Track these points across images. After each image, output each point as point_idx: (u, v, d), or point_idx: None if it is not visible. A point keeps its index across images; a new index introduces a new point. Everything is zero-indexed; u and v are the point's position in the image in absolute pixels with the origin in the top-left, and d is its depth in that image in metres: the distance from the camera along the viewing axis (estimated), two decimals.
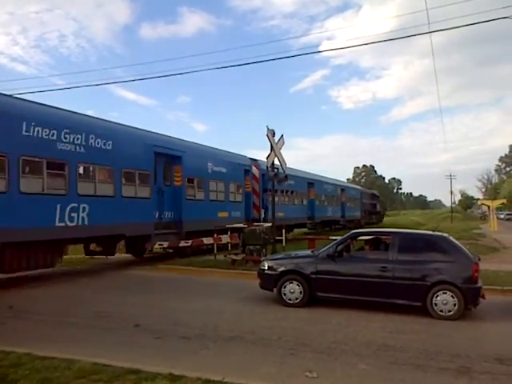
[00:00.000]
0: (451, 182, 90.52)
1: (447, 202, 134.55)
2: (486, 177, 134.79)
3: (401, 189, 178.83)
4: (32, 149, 11.89)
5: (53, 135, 12.48)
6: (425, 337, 7.25)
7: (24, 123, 11.70)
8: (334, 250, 9.61)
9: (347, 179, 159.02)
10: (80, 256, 19.41)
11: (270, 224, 16.50)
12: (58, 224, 12.52)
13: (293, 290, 9.54)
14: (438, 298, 8.58)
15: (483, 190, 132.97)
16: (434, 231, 10.40)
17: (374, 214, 55.86)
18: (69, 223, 12.87)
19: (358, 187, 57.51)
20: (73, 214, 13.02)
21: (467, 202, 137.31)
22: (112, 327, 7.69)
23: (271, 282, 9.89)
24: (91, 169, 14.11)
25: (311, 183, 33.98)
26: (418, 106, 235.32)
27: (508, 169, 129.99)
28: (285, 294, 9.59)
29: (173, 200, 18.06)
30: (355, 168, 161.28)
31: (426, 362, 5.95)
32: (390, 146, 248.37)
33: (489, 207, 51.42)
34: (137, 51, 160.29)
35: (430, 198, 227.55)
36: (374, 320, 8.36)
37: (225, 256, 16.18)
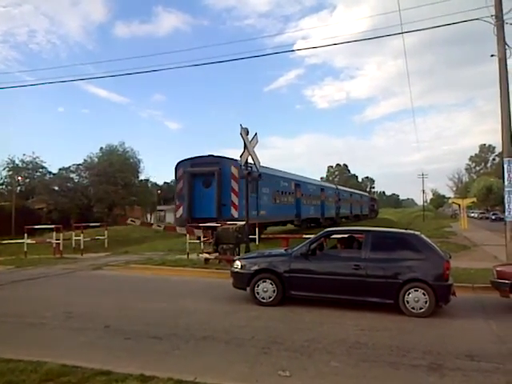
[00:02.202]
0: (423, 181, 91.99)
1: (419, 201, 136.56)
2: (456, 176, 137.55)
3: (374, 188, 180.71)
4: (281, 186, 29.71)
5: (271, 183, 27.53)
6: (397, 334, 7.30)
7: (281, 180, 29.85)
8: (308, 249, 9.63)
9: (321, 178, 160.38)
10: (50, 256, 19.10)
11: (243, 222, 16.41)
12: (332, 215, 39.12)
13: (266, 288, 9.52)
14: (410, 295, 8.67)
15: (454, 188, 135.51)
16: (406, 229, 10.49)
17: (373, 211, 77.31)
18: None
19: (367, 194, 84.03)
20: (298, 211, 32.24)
21: (439, 200, 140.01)
22: (81, 328, 7.51)
23: (244, 280, 9.84)
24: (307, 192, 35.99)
25: (351, 194, 58.47)
26: (392, 105, 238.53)
27: (478, 168, 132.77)
28: (258, 293, 9.56)
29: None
30: (329, 167, 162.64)
31: (398, 359, 5.98)
32: (364, 145, 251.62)
33: (459, 206, 52.32)
34: (110, 50, 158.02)
35: (402, 197, 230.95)
36: (347, 318, 8.38)
37: (198, 255, 16.09)
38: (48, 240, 21.30)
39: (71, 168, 54.66)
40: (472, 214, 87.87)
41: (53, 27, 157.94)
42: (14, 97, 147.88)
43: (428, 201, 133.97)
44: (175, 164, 24.20)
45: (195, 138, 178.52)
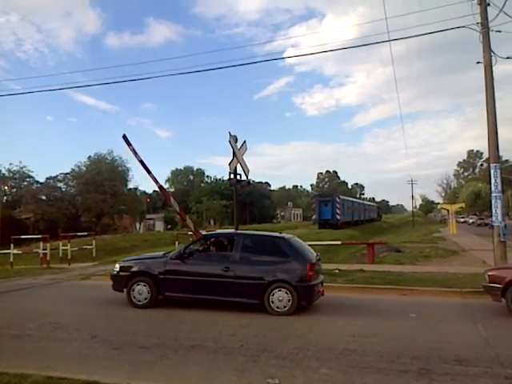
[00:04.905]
0: (412, 186, 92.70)
1: (409, 207, 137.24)
2: (445, 181, 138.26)
3: (363, 194, 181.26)
4: (349, 205, 63.56)
5: (347, 204, 62.23)
6: (386, 340, 7.28)
7: (345, 203, 60.15)
8: (183, 251, 10.08)
9: (311, 185, 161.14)
10: (36, 266, 18.91)
11: (233, 230, 16.32)
12: (362, 218, 73.86)
13: (141, 291, 9.92)
14: (274, 295, 9.20)
15: (443, 194, 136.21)
16: (280, 233, 11.03)
17: (379, 215, 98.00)
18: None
19: (374, 204, 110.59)
20: (353, 216, 65.70)
21: (428, 206, 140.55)
22: (68, 339, 7.42)
23: (122, 283, 10.23)
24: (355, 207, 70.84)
25: (369, 205, 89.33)
26: (381, 112, 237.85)
27: (466, 173, 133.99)
28: (134, 296, 9.95)
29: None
30: (319, 174, 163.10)
31: (387, 365, 5.96)
32: (353, 152, 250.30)
33: (448, 211, 52.70)
34: (100, 60, 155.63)
35: (392, 203, 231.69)
36: (336, 324, 8.37)
37: None
38: (35, 250, 21.12)
39: (59, 177, 54.35)
40: (462, 220, 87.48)
41: (41, 36, 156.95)
42: (1, 105, 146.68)
43: (417, 206, 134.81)
44: (312, 198, 62.31)
45: (185, 145, 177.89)
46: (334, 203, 53.75)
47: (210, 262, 10.07)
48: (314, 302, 9.64)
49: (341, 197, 58.11)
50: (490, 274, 9.54)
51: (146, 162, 14.52)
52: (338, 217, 53.12)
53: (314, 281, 9.40)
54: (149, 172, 14.70)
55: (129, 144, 14.45)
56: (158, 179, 14.83)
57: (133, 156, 14.44)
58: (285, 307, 9.12)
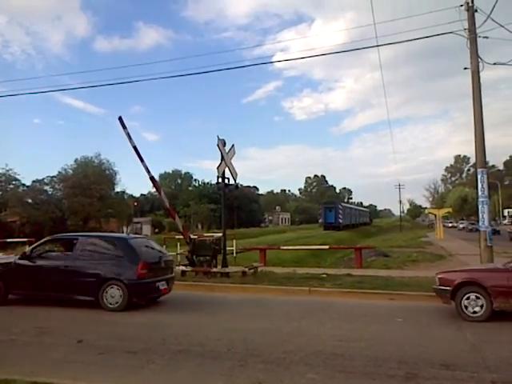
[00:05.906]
0: (400, 191, 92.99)
1: (396, 211, 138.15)
2: (432, 186, 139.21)
3: (351, 198, 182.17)
4: (348, 211, 79.33)
5: (347, 210, 79.48)
6: (373, 344, 7.28)
7: (345, 209, 76.57)
8: (30, 252, 10.84)
9: (299, 189, 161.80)
10: None
11: (220, 234, 16.31)
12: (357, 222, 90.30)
13: None
14: (108, 292, 9.84)
15: (430, 199, 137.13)
16: (126, 233, 11.49)
17: (370, 219, 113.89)
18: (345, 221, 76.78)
19: (366, 210, 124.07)
20: (351, 220, 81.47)
21: (415, 210, 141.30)
22: (53, 343, 7.33)
23: None
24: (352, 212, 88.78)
25: (362, 211, 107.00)
26: (369, 117, 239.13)
27: (453, 178, 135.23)
28: None
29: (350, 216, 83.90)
30: (307, 178, 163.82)
31: (374, 370, 5.95)
32: (342, 156, 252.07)
33: (435, 216, 53.01)
34: (89, 63, 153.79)
35: (380, 208, 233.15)
36: (324, 329, 8.36)
37: (174, 267, 15.90)
38: None
39: (45, 180, 53.75)
40: (450, 225, 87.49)
41: (29, 38, 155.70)
42: None
43: (405, 211, 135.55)
44: (319, 205, 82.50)
45: (173, 149, 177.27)
46: (337, 209, 69.13)
47: (52, 261, 10.57)
48: (151, 300, 10.55)
49: (342, 204, 76.53)
50: (439, 276, 9.59)
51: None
52: (341, 220, 68.34)
53: (148, 279, 10.02)
54: (141, 160, 14.59)
55: (124, 127, 14.34)
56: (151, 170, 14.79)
57: (127, 140, 14.33)
58: (116, 303, 9.75)
